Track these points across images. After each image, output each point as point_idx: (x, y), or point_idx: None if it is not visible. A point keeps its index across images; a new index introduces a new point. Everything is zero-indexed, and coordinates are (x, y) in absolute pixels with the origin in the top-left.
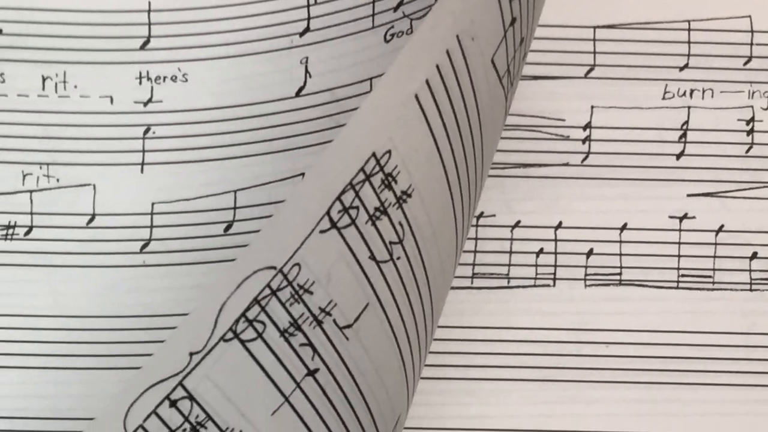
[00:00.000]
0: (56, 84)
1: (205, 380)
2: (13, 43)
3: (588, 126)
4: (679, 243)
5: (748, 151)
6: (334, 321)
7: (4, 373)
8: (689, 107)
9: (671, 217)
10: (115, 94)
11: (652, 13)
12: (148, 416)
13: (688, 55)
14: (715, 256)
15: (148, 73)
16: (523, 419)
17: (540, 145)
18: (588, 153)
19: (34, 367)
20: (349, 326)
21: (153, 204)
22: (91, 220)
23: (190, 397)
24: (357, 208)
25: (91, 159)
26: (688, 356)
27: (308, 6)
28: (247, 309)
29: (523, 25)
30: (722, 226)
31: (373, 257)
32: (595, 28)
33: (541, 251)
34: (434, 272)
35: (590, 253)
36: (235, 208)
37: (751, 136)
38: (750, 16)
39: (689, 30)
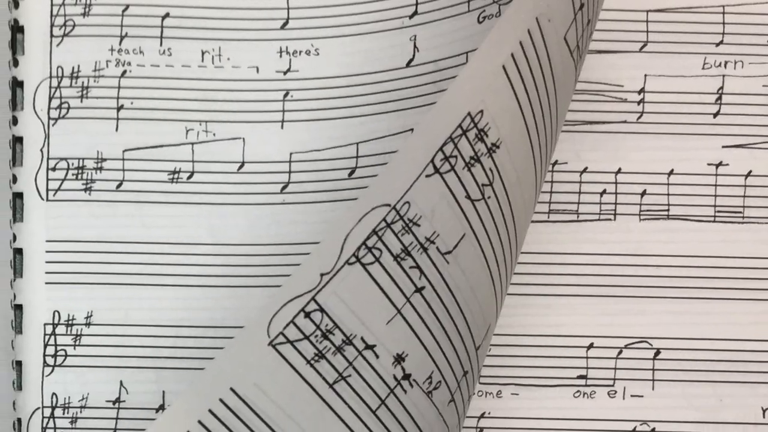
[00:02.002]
0: (213, 57)
1: (333, 296)
2: (179, 24)
3: (642, 91)
4: (716, 185)
5: None
6: (437, 248)
7: (171, 290)
8: (724, 75)
9: (709, 164)
10: (260, 65)
11: (693, 0)
12: (287, 325)
13: (723, 34)
14: (744, 196)
15: (287, 48)
16: (590, 327)
17: (603, 106)
18: (642, 113)
19: (195, 286)
20: (449, 252)
21: (291, 154)
22: (241, 167)
23: (321, 310)
24: (456, 157)
25: (241, 117)
26: (721, 276)
27: None
28: (367, 238)
29: (590, 9)
30: (750, 171)
31: (468, 196)
32: (647, 11)
33: (604, 192)
34: (518, 209)
35: (644, 193)
36: (357, 157)
37: None
38: None
39: (723, 13)
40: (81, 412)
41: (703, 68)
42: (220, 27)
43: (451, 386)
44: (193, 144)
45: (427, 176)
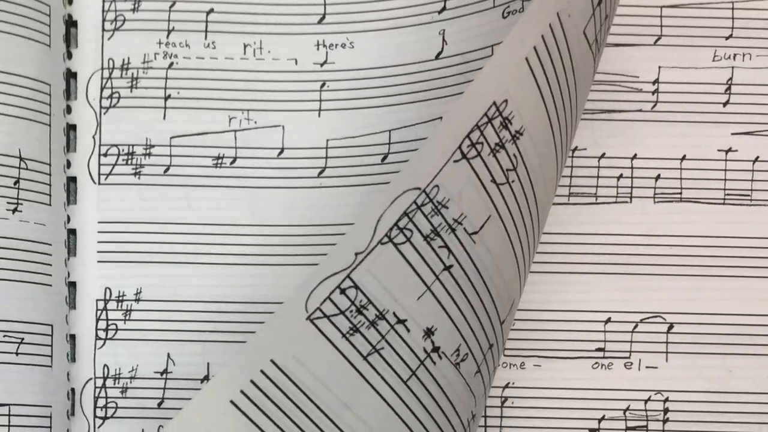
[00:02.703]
0: (254, 49)
1: (367, 273)
2: (222, 19)
3: (656, 81)
4: (725, 170)
5: None
6: (465, 229)
7: (215, 268)
8: (733, 67)
9: (719, 150)
10: (299, 57)
11: None
12: (324, 300)
13: (732, 28)
14: (752, 180)
15: (323, 41)
16: (607, 303)
17: (619, 96)
18: (656, 102)
19: (238, 264)
20: (475, 233)
21: (327, 140)
22: (280, 153)
23: (356, 286)
24: (482, 143)
25: (280, 106)
26: (730, 255)
27: None
28: (399, 219)
29: (607, 5)
30: (758, 157)
31: (494, 180)
32: (661, 7)
33: (620, 176)
34: (540, 192)
35: (658, 177)
36: (389, 143)
37: None
38: None
39: (733, 9)
40: (131, 382)
41: (713, 60)
42: (261, 22)
43: (477, 358)
44: (235, 131)
45: (455, 161)
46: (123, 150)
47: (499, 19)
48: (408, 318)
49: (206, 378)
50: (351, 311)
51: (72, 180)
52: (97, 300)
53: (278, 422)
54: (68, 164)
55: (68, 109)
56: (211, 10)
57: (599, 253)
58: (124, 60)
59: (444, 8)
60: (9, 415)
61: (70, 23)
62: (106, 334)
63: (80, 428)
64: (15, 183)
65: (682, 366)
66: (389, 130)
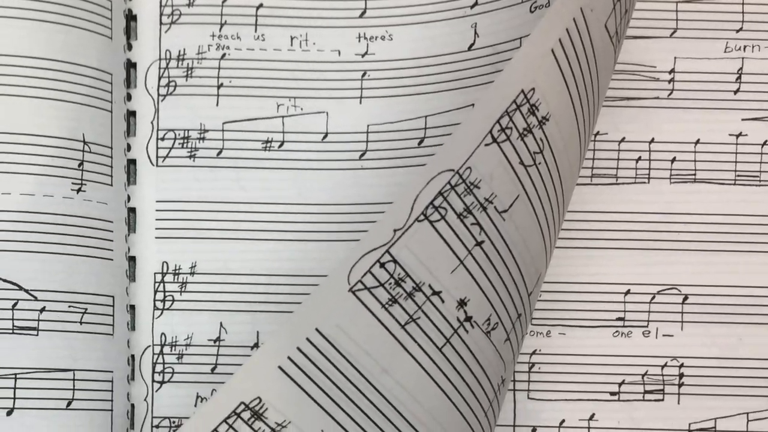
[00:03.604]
0: (300, 42)
1: (405, 249)
2: (271, 14)
3: (672, 71)
4: (736, 153)
5: None
6: (495, 207)
7: (264, 244)
8: (743, 58)
9: (730, 134)
10: (342, 49)
11: None
12: (365, 273)
13: (742, 22)
14: (761, 162)
15: (364, 34)
16: (627, 276)
17: (638, 85)
18: (672, 90)
19: (285, 240)
20: (505, 211)
21: (368, 125)
22: (325, 137)
23: (394, 261)
24: (511, 128)
25: (325, 94)
26: (741, 232)
27: None
28: (434, 198)
29: (627, 1)
30: (766, 141)
31: (522, 162)
32: (677, 2)
33: (639, 158)
34: (564, 173)
35: (673, 159)
36: (425, 128)
37: None
38: None
39: (743, 4)
40: (186, 349)
41: (725, 51)
42: (307, 16)
43: (506, 327)
44: (283, 117)
45: (486, 145)
46: (179, 134)
47: (526, 14)
48: (442, 290)
49: (256, 345)
50: (390, 283)
51: (132, 162)
52: (155, 273)
53: (323, 386)
54: (128, 148)
55: (128, 97)
56: (261, 5)
57: (619, 229)
58: (180, 51)
59: (476, 3)
60: (74, 379)
61: (130, 17)
62: (164, 305)
63: (139, 392)
64: (79, 165)
65: (696, 334)
66: (425, 116)
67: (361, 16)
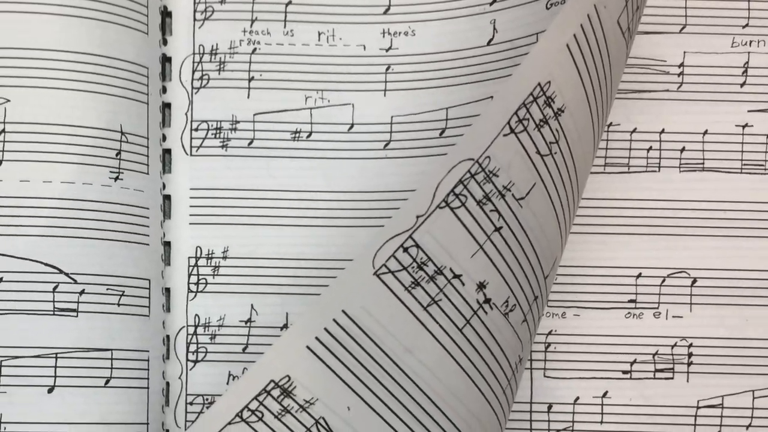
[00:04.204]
0: (327, 37)
1: (426, 234)
2: (299, 10)
3: (681, 65)
4: (742, 143)
5: None
6: (513, 195)
7: (293, 229)
8: (749, 52)
9: (737, 125)
10: (367, 43)
11: None
12: (389, 258)
13: (748, 18)
14: (766, 152)
15: (389, 29)
16: (638, 260)
17: (649, 78)
18: (681, 83)
19: (313, 226)
20: (522, 198)
21: (392, 117)
22: (350, 128)
23: (417, 245)
24: (528, 119)
25: (350, 87)
26: (747, 218)
27: None
28: (455, 186)
29: None
30: None
31: (538, 152)
32: None
33: (650, 148)
34: (579, 162)
35: (683, 149)
36: (446, 119)
37: None
38: None
39: (749, 0)
40: (218, 330)
41: (731, 46)
42: (333, 12)
43: (524, 308)
44: (311, 109)
45: (505, 135)
46: (212, 125)
47: (543, 10)
48: (463, 273)
49: (285, 326)
50: (413, 267)
51: (167, 152)
52: (189, 257)
53: (348, 365)
54: (164, 138)
55: (164, 90)
56: (290, 2)
57: (631, 216)
58: (212, 46)
59: (495, 0)
60: (112, 359)
61: (166, 14)
62: (197, 288)
63: (174, 371)
64: (117, 155)
65: (704, 315)
66: (446, 107)
67: (385, 12)
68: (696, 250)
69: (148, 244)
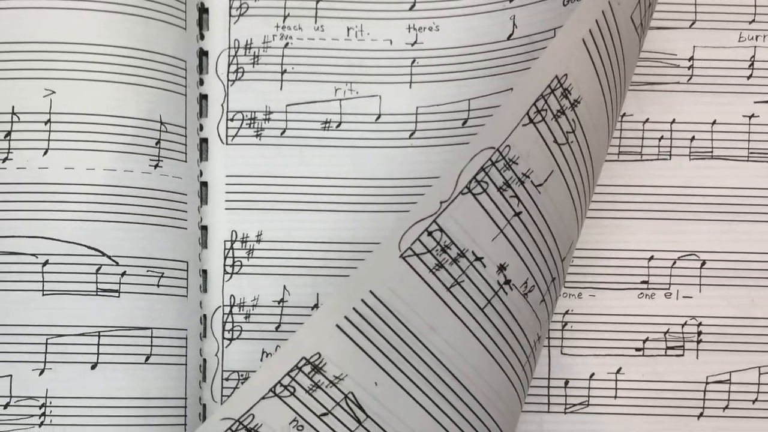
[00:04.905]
0: (356, 32)
1: (450, 218)
2: (329, 7)
3: (691, 59)
4: (749, 132)
5: None
6: (531, 181)
7: (323, 214)
8: (755, 47)
9: (743, 116)
10: (393, 38)
11: None
12: (414, 241)
13: (755, 14)
14: None
15: (414, 25)
16: (650, 243)
17: (660, 71)
18: (691, 75)
19: (342, 211)
20: (540, 185)
21: (417, 107)
22: (378, 118)
23: (441, 229)
24: (546, 110)
25: (378, 79)
26: (753, 204)
27: None
28: (477, 173)
29: None
30: None
31: (556, 141)
32: None
33: (661, 137)
34: (594, 150)
35: (692, 138)
36: (468, 110)
37: None
38: None
39: None
40: (253, 309)
41: (739, 41)
42: (362, 9)
43: (542, 289)
44: (340, 100)
45: (524, 125)
46: (246, 116)
47: (560, 7)
48: (484, 256)
49: (316, 306)
50: (437, 250)
51: (204, 141)
52: (224, 241)
53: (376, 343)
54: (201, 128)
55: (201, 82)
56: None
57: (644, 201)
58: (247, 41)
59: None
60: (151, 337)
61: (203, 10)
62: (233, 269)
63: (211, 348)
64: (156, 143)
65: (712, 296)
66: (468, 99)
67: (410, 9)
68: (705, 234)
69: (186, 228)
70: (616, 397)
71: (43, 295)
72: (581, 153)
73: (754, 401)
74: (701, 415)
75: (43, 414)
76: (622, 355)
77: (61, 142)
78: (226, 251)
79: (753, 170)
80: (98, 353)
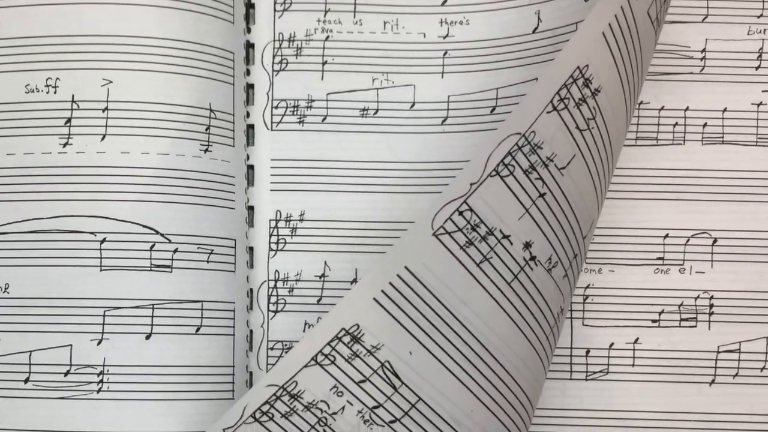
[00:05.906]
0: (391, 26)
1: (479, 199)
2: (367, 2)
3: (704, 51)
4: (757, 119)
5: None
6: (555, 165)
7: (362, 195)
8: (763, 39)
9: (752, 104)
10: (426, 31)
11: None
12: (446, 220)
13: (762, 9)
14: None
15: (446, 19)
16: (666, 222)
17: (675, 62)
18: (703, 66)
19: (379, 192)
20: (564, 167)
21: (449, 96)
22: (412, 106)
23: (470, 209)
24: (568, 98)
25: (412, 70)
26: (763, 185)
27: None
28: (504, 157)
29: None
30: None
31: (578, 127)
32: None
33: (676, 124)
34: (613, 136)
35: (705, 125)
36: (497, 98)
37: None
38: None
39: None
40: (296, 284)
41: (747, 34)
42: (397, 4)
43: (564, 265)
44: (377, 89)
45: (548, 112)
46: (290, 104)
47: (582, 2)
48: (511, 234)
49: (355, 281)
50: (467, 229)
51: (250, 127)
52: (270, 220)
53: (411, 315)
54: (247, 115)
55: (247, 72)
56: None
57: (659, 183)
58: (290, 34)
59: None
60: (202, 309)
61: (249, 5)
62: (277, 246)
63: (257, 320)
64: (206, 129)
65: (723, 271)
66: (496, 88)
67: (442, 4)
68: (717, 213)
69: (233, 209)
70: (633, 365)
71: (101, 270)
72: (601, 138)
73: (762, 369)
74: (713, 382)
75: (101, 381)
76: (640, 326)
77: (118, 128)
78: (271, 230)
79: (761, 154)
80: (152, 324)
